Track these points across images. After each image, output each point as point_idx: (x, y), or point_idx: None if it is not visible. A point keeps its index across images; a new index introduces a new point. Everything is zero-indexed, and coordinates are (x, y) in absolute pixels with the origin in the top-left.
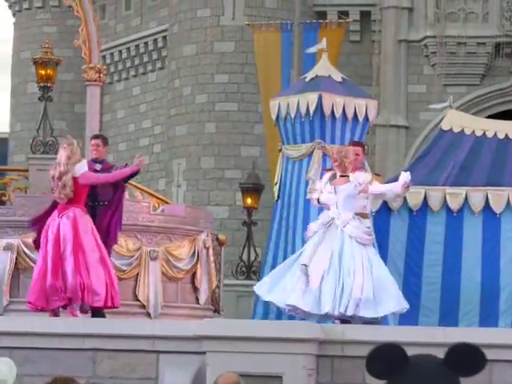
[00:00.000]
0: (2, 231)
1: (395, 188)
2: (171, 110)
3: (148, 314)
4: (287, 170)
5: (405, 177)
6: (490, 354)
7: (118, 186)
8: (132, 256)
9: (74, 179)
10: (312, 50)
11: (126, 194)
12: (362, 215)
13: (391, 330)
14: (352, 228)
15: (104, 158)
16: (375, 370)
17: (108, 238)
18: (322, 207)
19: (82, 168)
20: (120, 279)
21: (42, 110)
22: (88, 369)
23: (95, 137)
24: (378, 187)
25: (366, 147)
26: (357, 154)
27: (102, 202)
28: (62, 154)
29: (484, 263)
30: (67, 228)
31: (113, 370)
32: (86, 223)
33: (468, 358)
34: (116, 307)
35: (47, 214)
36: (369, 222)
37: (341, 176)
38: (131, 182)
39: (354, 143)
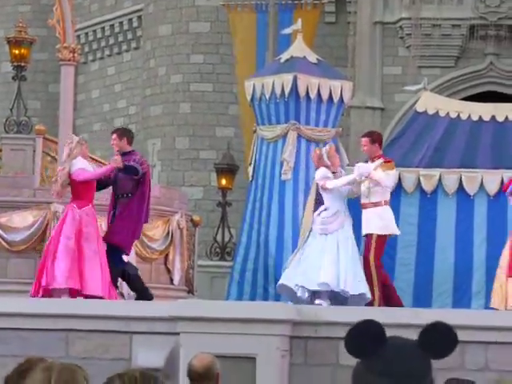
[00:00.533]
0: None
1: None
2: (146, 90)
3: (122, 295)
4: (262, 151)
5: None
6: (462, 336)
7: (139, 180)
8: None
9: (70, 176)
10: (287, 31)
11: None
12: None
13: (364, 311)
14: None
15: (126, 149)
16: (354, 347)
17: (133, 229)
18: (295, 189)
19: (75, 165)
20: None
21: (15, 89)
22: (61, 349)
23: (111, 132)
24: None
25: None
26: (364, 145)
27: (122, 195)
28: (64, 152)
29: (457, 245)
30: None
31: (86, 350)
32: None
33: (441, 338)
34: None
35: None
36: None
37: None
38: (105, 162)
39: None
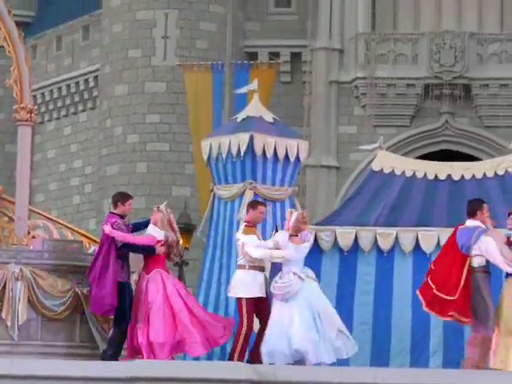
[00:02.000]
0: None
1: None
2: (102, 150)
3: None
4: (219, 211)
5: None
6: None
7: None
8: (64, 296)
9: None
10: (242, 90)
11: (57, 234)
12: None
13: (323, 371)
14: None
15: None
16: None
17: None
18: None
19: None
20: (53, 320)
21: None
22: None
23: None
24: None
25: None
26: (261, 212)
27: None
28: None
29: (414, 303)
30: None
31: None
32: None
33: None
34: None
35: None
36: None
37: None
38: (62, 222)
39: (260, 203)
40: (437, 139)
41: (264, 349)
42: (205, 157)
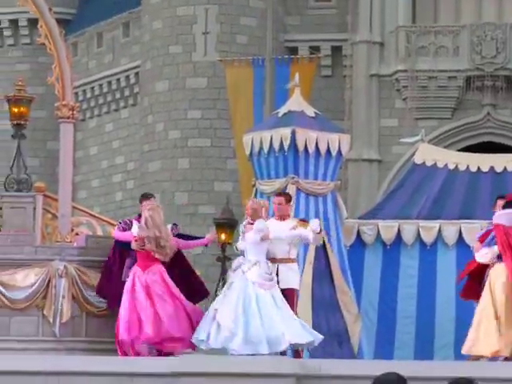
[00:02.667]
0: None
1: (304, 235)
2: (144, 146)
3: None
4: None
5: (314, 224)
6: None
7: None
8: None
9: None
10: (288, 85)
11: (100, 231)
12: (272, 260)
13: (367, 364)
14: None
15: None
16: None
17: None
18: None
19: None
20: (97, 316)
21: (15, 147)
22: None
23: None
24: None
25: (290, 197)
26: (279, 204)
27: None
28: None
29: (458, 297)
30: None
31: None
32: None
33: None
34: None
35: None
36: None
37: (250, 224)
38: (105, 218)
39: (276, 194)
40: (479, 131)
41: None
42: (247, 152)
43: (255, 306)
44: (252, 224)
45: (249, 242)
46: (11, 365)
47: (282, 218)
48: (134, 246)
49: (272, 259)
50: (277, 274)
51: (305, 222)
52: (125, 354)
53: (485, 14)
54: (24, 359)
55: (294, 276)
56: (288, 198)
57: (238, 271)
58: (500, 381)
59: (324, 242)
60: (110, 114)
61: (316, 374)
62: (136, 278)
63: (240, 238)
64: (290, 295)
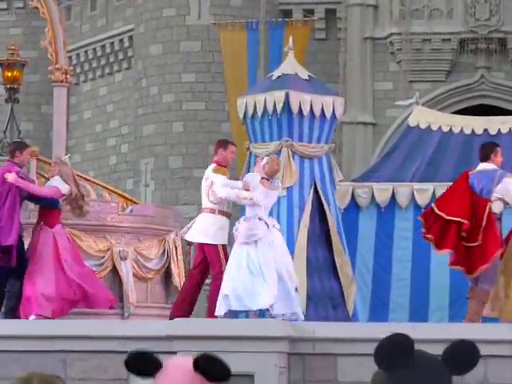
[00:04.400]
0: None
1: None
2: (138, 110)
3: (119, 315)
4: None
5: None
6: None
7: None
8: (102, 257)
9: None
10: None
11: (94, 195)
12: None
13: (362, 327)
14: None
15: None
16: (385, 360)
17: None
18: (290, 205)
19: None
20: None
21: (8, 111)
22: (59, 371)
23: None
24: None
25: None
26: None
27: None
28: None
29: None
30: None
31: (84, 371)
32: None
33: (464, 356)
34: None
35: None
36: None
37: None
38: (99, 182)
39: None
40: (473, 94)
41: (233, 293)
42: (240, 115)
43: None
44: (267, 179)
45: (273, 200)
46: (8, 329)
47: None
48: (62, 203)
49: None
50: None
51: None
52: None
53: None
54: (18, 323)
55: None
56: None
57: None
58: (492, 342)
59: (322, 203)
60: (104, 77)
61: (310, 337)
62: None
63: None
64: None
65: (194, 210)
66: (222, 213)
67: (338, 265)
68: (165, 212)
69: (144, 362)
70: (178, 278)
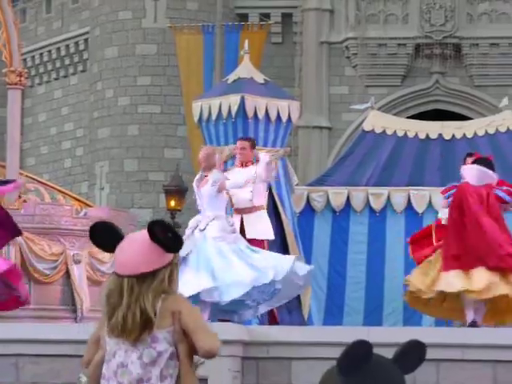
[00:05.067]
0: None
1: (259, 170)
2: (93, 113)
3: (72, 319)
4: None
5: (264, 158)
6: None
7: None
8: (55, 260)
9: None
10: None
11: (48, 198)
12: (237, 211)
13: (316, 331)
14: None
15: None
16: (348, 366)
17: None
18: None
19: None
20: (44, 283)
21: None
22: (11, 375)
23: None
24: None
25: (254, 142)
26: (242, 148)
27: None
28: None
29: (406, 263)
30: None
31: (36, 375)
32: None
33: (414, 356)
34: None
35: None
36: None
37: (205, 177)
38: (54, 185)
39: (239, 138)
40: (428, 99)
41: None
42: (195, 118)
43: (219, 261)
44: (206, 177)
45: (205, 195)
46: None
47: (245, 164)
48: None
49: (236, 210)
50: (243, 226)
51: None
52: None
53: None
54: None
55: (261, 225)
56: (252, 144)
57: (195, 232)
58: (444, 346)
59: (277, 207)
60: (59, 80)
61: (264, 341)
62: None
63: (195, 195)
64: (256, 246)
65: (149, 214)
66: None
67: None
68: (119, 215)
69: (107, 233)
70: None
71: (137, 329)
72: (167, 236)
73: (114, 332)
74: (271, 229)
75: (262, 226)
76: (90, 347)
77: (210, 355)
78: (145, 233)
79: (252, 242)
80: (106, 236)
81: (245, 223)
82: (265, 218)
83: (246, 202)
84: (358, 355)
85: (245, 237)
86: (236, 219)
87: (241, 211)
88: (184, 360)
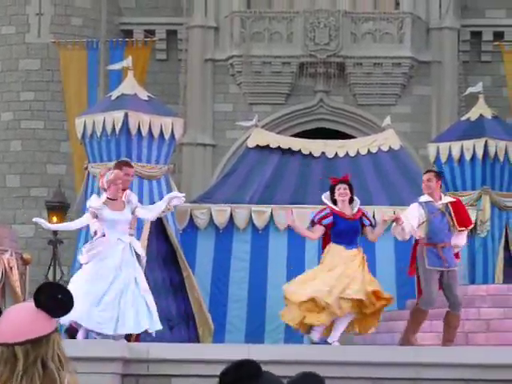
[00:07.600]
0: None
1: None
2: None
3: None
4: (94, 189)
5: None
6: (293, 371)
7: None
8: None
9: None
10: (115, 66)
11: None
12: None
13: (196, 348)
14: None
15: None
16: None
17: None
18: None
19: None
20: None
21: None
22: None
23: None
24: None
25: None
26: (126, 174)
27: None
28: None
29: (289, 280)
30: None
31: None
32: None
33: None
34: None
35: None
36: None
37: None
38: None
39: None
40: (312, 117)
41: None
42: (79, 135)
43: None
44: (111, 199)
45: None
46: None
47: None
48: None
49: None
50: None
51: None
52: None
53: (318, 0)
54: None
55: None
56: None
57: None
58: (334, 364)
59: (163, 223)
60: None
61: (144, 358)
62: None
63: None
64: None
65: (31, 230)
66: None
67: (187, 285)
68: (1, 231)
69: None
70: (14, 298)
71: None
72: (56, 302)
73: None
74: None
75: None
76: None
77: None
78: (29, 303)
79: None
80: None
81: None
82: None
83: None
84: (240, 373)
85: None
86: None
87: None
88: None
